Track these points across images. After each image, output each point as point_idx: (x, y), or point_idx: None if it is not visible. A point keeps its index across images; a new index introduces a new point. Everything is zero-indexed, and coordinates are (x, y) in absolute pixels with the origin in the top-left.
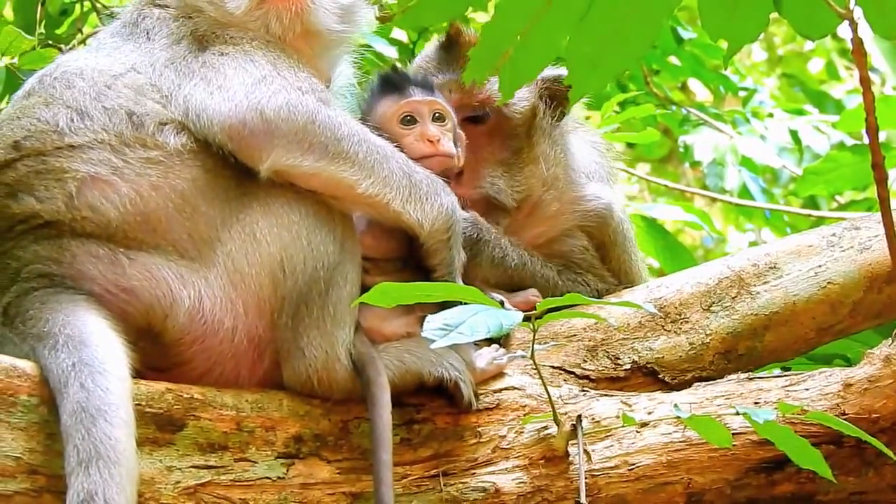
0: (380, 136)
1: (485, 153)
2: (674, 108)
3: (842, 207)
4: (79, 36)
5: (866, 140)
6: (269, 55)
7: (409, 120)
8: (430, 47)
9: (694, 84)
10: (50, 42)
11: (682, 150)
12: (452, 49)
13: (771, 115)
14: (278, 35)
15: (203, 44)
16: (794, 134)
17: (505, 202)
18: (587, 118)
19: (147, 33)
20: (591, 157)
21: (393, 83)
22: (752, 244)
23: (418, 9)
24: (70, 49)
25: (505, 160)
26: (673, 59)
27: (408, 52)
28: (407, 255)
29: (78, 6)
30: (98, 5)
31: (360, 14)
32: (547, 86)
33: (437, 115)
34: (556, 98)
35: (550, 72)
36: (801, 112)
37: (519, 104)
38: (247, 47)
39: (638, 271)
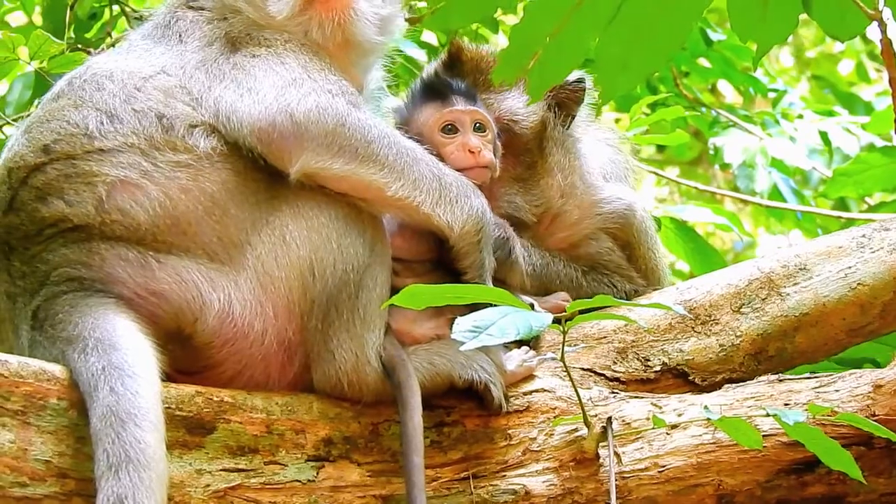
0: (420, 142)
1: (499, 171)
2: (703, 109)
3: (871, 209)
4: (108, 40)
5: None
6: (301, 58)
7: (451, 129)
8: (432, 65)
9: (723, 86)
10: (79, 46)
11: (712, 152)
12: (455, 66)
13: (801, 117)
14: (318, 42)
15: (235, 46)
16: (823, 135)
17: (524, 218)
18: (617, 120)
19: (179, 35)
20: (607, 156)
21: (436, 90)
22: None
23: (447, 10)
24: (99, 53)
25: (519, 176)
26: (702, 61)
27: (437, 54)
28: (437, 256)
29: (107, 10)
30: (127, 9)
31: (396, 23)
32: (554, 94)
33: (478, 125)
34: (565, 104)
35: None
36: (830, 113)
37: (528, 119)
38: (279, 49)
39: (663, 268)
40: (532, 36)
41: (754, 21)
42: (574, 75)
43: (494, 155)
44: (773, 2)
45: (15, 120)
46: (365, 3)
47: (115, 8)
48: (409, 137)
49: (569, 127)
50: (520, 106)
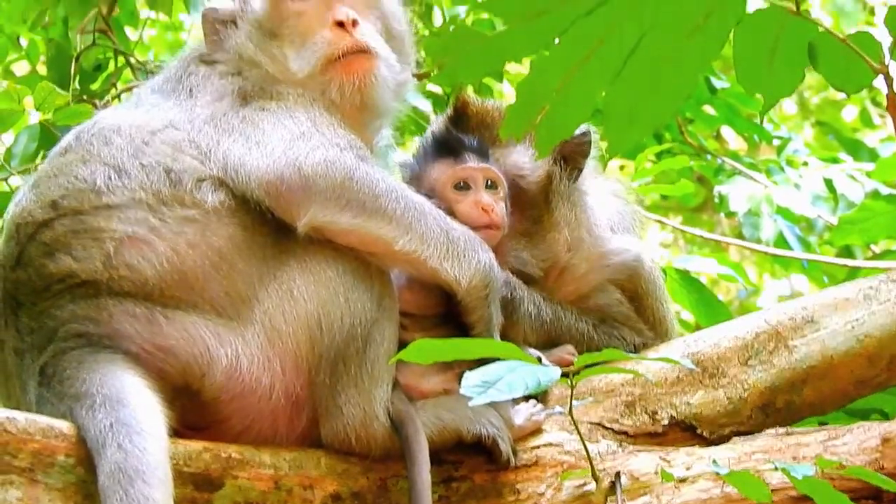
0: (431, 198)
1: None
2: (708, 157)
3: (877, 256)
4: (113, 91)
5: None
6: (311, 112)
7: (463, 186)
8: (438, 120)
9: (727, 131)
10: (84, 97)
11: (717, 200)
12: (461, 121)
13: (805, 164)
14: (336, 103)
15: (246, 100)
16: (828, 183)
17: (531, 273)
18: (622, 168)
19: (190, 90)
20: (614, 207)
21: (448, 147)
22: (781, 299)
23: (454, 66)
24: (104, 104)
25: (526, 230)
26: (707, 108)
27: (443, 104)
28: (445, 311)
29: (112, 61)
30: (132, 60)
31: (410, 87)
32: (560, 147)
33: (490, 182)
34: (571, 158)
35: None
36: (835, 160)
37: (534, 173)
38: (290, 103)
39: (672, 319)
40: (539, 90)
41: (761, 74)
42: (579, 128)
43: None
44: (780, 55)
45: (20, 172)
46: (385, 69)
47: (121, 59)
48: (420, 193)
49: (575, 180)
50: (525, 160)
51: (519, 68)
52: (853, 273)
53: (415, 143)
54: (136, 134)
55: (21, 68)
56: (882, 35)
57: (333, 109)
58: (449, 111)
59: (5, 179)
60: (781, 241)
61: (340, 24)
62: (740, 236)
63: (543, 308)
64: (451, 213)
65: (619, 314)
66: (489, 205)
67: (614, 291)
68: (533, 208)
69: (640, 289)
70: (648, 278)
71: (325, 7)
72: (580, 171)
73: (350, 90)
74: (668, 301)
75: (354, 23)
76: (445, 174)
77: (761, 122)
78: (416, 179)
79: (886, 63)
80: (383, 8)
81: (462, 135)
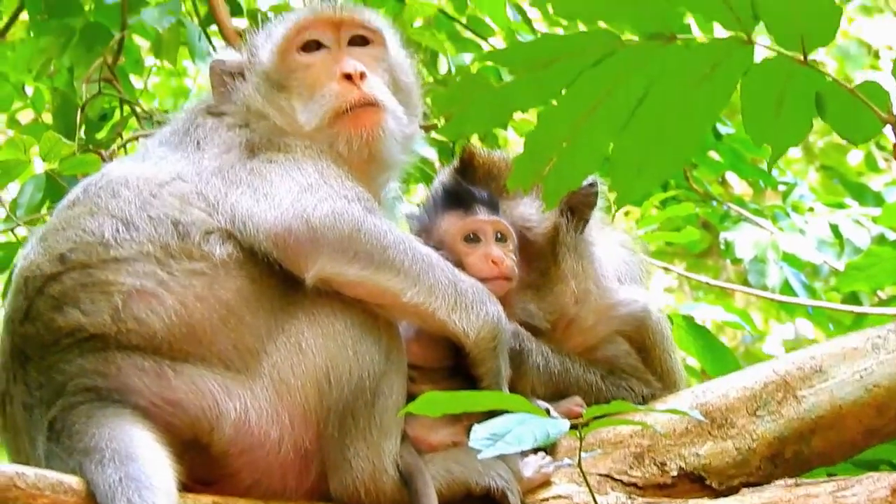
0: (439, 250)
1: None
2: (714, 203)
3: (883, 303)
4: (119, 140)
5: None
6: (319, 164)
7: (473, 238)
8: (444, 171)
9: (732, 176)
10: (90, 147)
11: (723, 246)
12: (468, 172)
13: (811, 210)
14: (343, 156)
15: (253, 151)
16: (834, 228)
17: (538, 325)
18: (626, 213)
19: (197, 143)
20: (621, 258)
21: (458, 199)
22: (786, 344)
23: (462, 117)
24: (110, 154)
25: (533, 282)
26: (712, 154)
27: (448, 153)
28: (454, 363)
29: (118, 111)
30: (138, 109)
31: (417, 139)
32: (567, 199)
33: (500, 235)
34: (578, 209)
35: None
36: (841, 206)
37: (541, 225)
38: (297, 155)
39: (679, 370)
40: (547, 142)
41: (768, 124)
42: (586, 179)
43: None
44: (787, 106)
45: (26, 222)
46: (393, 122)
47: (126, 108)
48: (429, 245)
49: (582, 231)
50: (532, 212)
51: (524, 115)
52: (859, 319)
53: (421, 193)
54: (143, 186)
55: (26, 117)
56: (889, 83)
57: (341, 161)
58: (455, 162)
59: (11, 230)
60: (787, 287)
61: (348, 77)
62: (745, 281)
63: (552, 359)
64: (460, 265)
65: (627, 365)
66: (499, 257)
67: (622, 343)
68: (540, 260)
69: (647, 340)
70: (656, 329)
71: (332, 60)
72: (586, 222)
73: (358, 143)
74: (675, 352)
75: (362, 76)
76: (455, 226)
77: (769, 171)
78: (425, 231)
79: (894, 113)
80: (391, 60)
81: (472, 187)
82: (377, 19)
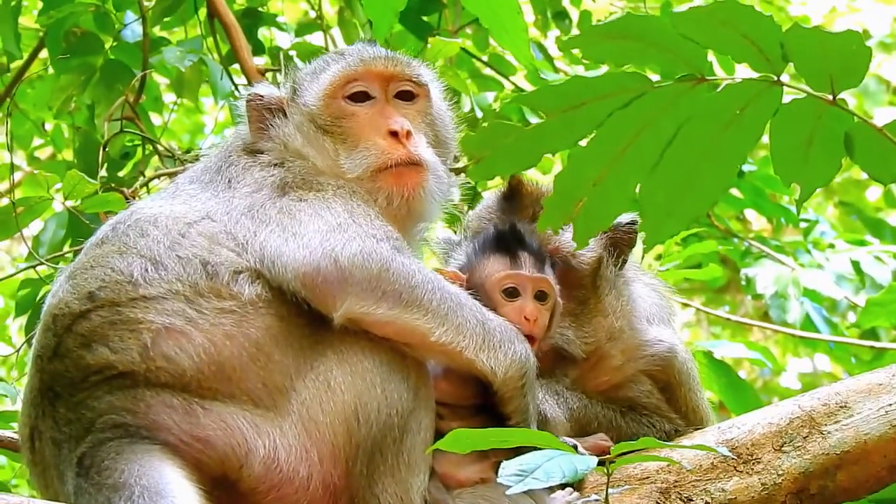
0: (475, 294)
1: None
2: (735, 240)
3: None
4: (140, 179)
5: None
6: (349, 204)
7: (512, 292)
8: (491, 196)
9: (750, 212)
10: (112, 185)
11: (744, 282)
12: (514, 199)
13: (832, 247)
14: (381, 208)
15: (284, 190)
16: (855, 265)
17: (574, 353)
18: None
19: (229, 181)
20: (652, 300)
21: (506, 245)
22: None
23: (492, 160)
24: (133, 192)
25: (572, 311)
26: (733, 190)
27: (471, 192)
28: (482, 401)
29: (140, 149)
30: (160, 147)
31: (455, 192)
32: (610, 234)
33: (540, 293)
34: (618, 245)
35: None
36: (862, 243)
37: (587, 255)
38: (328, 194)
39: (705, 408)
40: (576, 183)
41: (797, 165)
42: (627, 217)
43: (551, 320)
44: (816, 146)
45: (49, 260)
46: (433, 182)
47: (148, 147)
48: (468, 284)
49: (621, 268)
50: None
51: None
52: (880, 354)
53: (464, 222)
54: (172, 226)
55: (44, 153)
56: None
57: (373, 203)
58: (504, 189)
59: (34, 267)
60: (808, 323)
61: (394, 134)
62: (764, 316)
63: (571, 399)
64: (493, 311)
65: (649, 404)
66: (533, 315)
67: (645, 382)
68: (580, 289)
69: (672, 379)
70: (682, 369)
71: (379, 113)
72: (626, 260)
73: (398, 201)
74: (701, 390)
75: (409, 134)
76: (498, 274)
77: (798, 211)
78: (468, 268)
79: None
80: (434, 114)
81: (524, 236)
82: (425, 73)
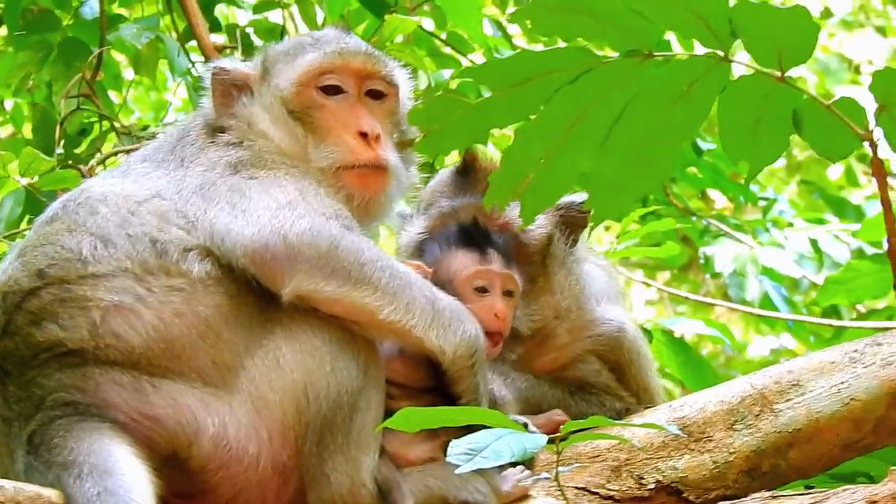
0: (442, 288)
1: None
2: (694, 218)
3: (862, 316)
4: (97, 156)
5: (886, 247)
6: (300, 182)
7: (481, 288)
8: (445, 172)
9: (713, 191)
10: (69, 162)
11: (702, 261)
12: (468, 174)
13: (791, 225)
14: (341, 202)
15: (237, 168)
16: (814, 243)
17: (521, 329)
18: (606, 228)
19: (182, 160)
20: (602, 280)
21: (474, 240)
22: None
23: (438, 134)
24: (89, 169)
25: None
26: (693, 169)
27: (428, 168)
28: (435, 384)
29: (97, 125)
30: (117, 125)
31: (413, 187)
32: (562, 213)
33: (508, 290)
34: (570, 225)
35: (565, 198)
36: (821, 221)
37: (536, 231)
38: (280, 173)
39: (656, 386)
40: (523, 159)
41: (745, 142)
42: (581, 196)
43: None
44: (765, 123)
45: (6, 237)
46: (395, 186)
47: (105, 123)
48: (434, 282)
49: (572, 247)
50: None
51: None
52: (839, 332)
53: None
54: (122, 204)
55: (5, 131)
56: (867, 100)
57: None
58: (458, 164)
59: None
60: (767, 301)
61: (363, 135)
62: (727, 295)
63: (518, 379)
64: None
65: (598, 383)
66: (503, 313)
67: (594, 361)
68: (529, 266)
69: (622, 359)
70: (631, 348)
71: (350, 111)
72: (577, 239)
73: (358, 201)
74: (652, 368)
75: (377, 137)
76: (467, 270)
77: (747, 187)
78: (436, 264)
79: (871, 129)
80: (400, 116)
81: (491, 232)
82: (398, 73)
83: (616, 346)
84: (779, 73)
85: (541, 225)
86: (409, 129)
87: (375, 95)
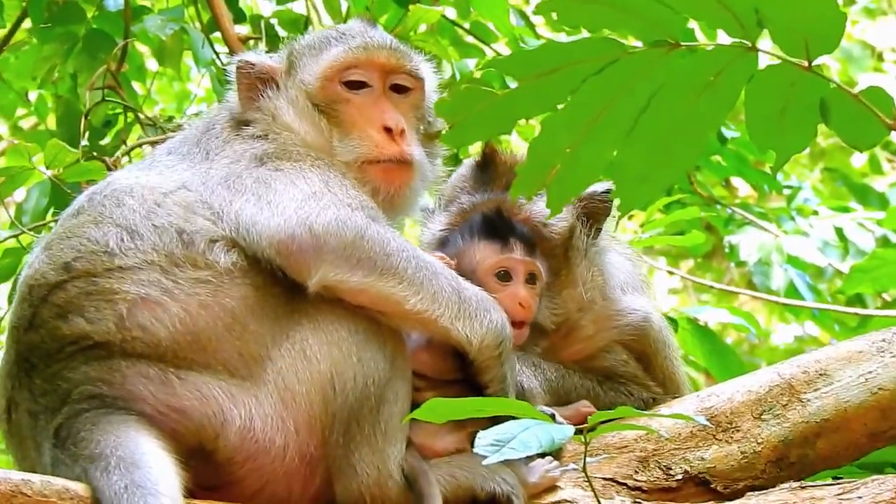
0: (466, 279)
1: None
2: (718, 206)
3: (887, 305)
4: (122, 147)
5: None
6: (325, 174)
7: (505, 276)
8: (465, 166)
9: (737, 179)
10: (94, 154)
11: (727, 250)
12: (488, 168)
13: (816, 213)
14: (366, 194)
15: (262, 161)
16: (839, 231)
17: (544, 323)
18: (630, 217)
19: (207, 153)
20: (626, 269)
21: (496, 230)
22: (787, 347)
23: (464, 126)
24: (114, 161)
25: None
26: (717, 158)
27: (453, 160)
28: (462, 375)
29: (121, 117)
30: (141, 116)
31: (439, 180)
32: (584, 204)
33: (531, 276)
34: (592, 215)
35: (587, 189)
36: (845, 209)
37: (558, 224)
38: (305, 165)
39: (682, 375)
40: (550, 150)
41: (772, 131)
42: (602, 186)
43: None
44: (791, 113)
45: (31, 229)
46: (419, 181)
47: (130, 115)
48: (458, 272)
49: (594, 237)
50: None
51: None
52: (864, 321)
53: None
54: (148, 196)
55: (28, 123)
56: (893, 87)
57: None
58: (477, 157)
59: (16, 236)
60: (792, 290)
61: (388, 130)
62: (750, 283)
63: (548, 370)
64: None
65: (626, 373)
66: (527, 301)
67: (621, 352)
68: (552, 259)
69: (648, 349)
70: (657, 338)
71: (374, 106)
72: (599, 229)
73: (383, 196)
74: (678, 358)
75: (402, 132)
76: (490, 260)
77: (774, 177)
78: (459, 254)
79: None
80: (425, 110)
81: (513, 222)
82: (423, 67)
83: (641, 336)
84: (806, 63)
85: (563, 217)
86: (435, 122)
87: (400, 90)
